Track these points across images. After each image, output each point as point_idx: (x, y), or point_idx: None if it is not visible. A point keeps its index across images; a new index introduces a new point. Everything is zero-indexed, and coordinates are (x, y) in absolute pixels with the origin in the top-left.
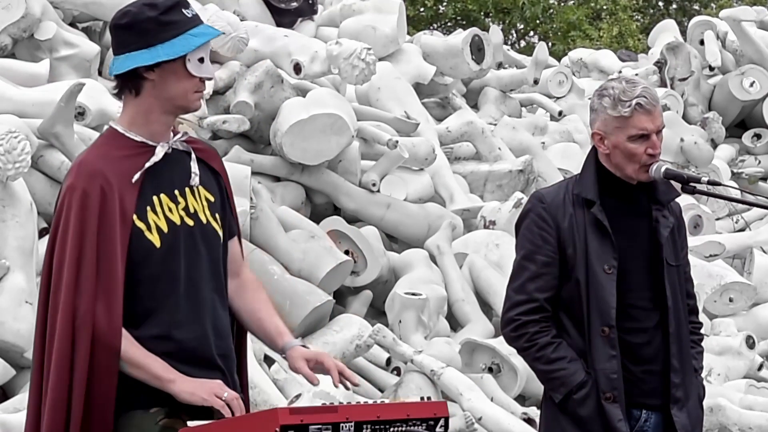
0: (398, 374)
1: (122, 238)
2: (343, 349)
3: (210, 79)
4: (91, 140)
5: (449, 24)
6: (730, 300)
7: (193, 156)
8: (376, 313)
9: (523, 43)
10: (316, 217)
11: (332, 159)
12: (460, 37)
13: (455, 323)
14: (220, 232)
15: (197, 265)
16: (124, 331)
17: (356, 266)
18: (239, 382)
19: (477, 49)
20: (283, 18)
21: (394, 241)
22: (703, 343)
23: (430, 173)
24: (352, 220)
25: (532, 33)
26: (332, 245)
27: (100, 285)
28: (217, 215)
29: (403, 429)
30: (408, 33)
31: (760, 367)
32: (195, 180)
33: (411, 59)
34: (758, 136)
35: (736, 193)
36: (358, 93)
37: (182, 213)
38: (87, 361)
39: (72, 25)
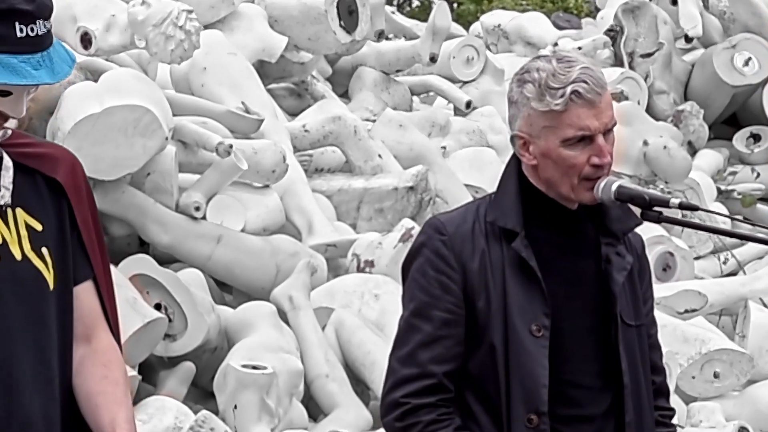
0: None
1: None
2: None
3: (15, 117)
4: None
5: None
6: (716, 376)
7: (6, 163)
8: (202, 394)
9: (415, 3)
10: (114, 255)
11: (137, 171)
12: None
13: (316, 409)
14: (48, 275)
15: None
16: None
17: (171, 327)
18: None
19: (347, 12)
20: None
21: (226, 290)
22: None
23: (278, 192)
24: (167, 259)
25: None
26: (137, 297)
27: None
28: (44, 250)
29: None
30: None
31: None
32: (4, 197)
33: (252, 26)
34: (756, 138)
35: (724, 221)
36: (175, 76)
37: None
38: None
39: None
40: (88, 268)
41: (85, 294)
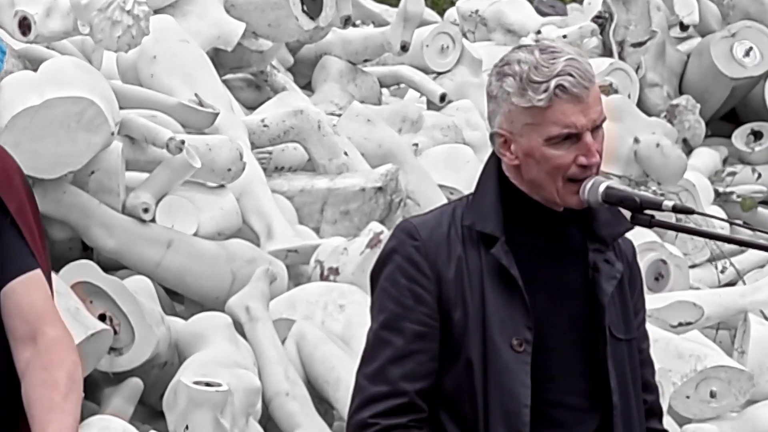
0: None
1: None
2: None
3: None
4: None
5: None
6: (712, 395)
7: None
8: (150, 413)
9: None
10: (55, 260)
11: (80, 169)
12: None
13: (274, 430)
14: None
15: None
16: None
17: (117, 339)
18: None
19: None
20: None
21: (177, 299)
22: None
23: (235, 193)
24: (112, 266)
25: None
26: (80, 306)
27: None
28: None
29: None
30: None
31: None
32: None
33: (206, 12)
34: (757, 135)
35: (722, 226)
36: (122, 65)
37: None
38: None
39: None
40: (26, 259)
41: (22, 288)
